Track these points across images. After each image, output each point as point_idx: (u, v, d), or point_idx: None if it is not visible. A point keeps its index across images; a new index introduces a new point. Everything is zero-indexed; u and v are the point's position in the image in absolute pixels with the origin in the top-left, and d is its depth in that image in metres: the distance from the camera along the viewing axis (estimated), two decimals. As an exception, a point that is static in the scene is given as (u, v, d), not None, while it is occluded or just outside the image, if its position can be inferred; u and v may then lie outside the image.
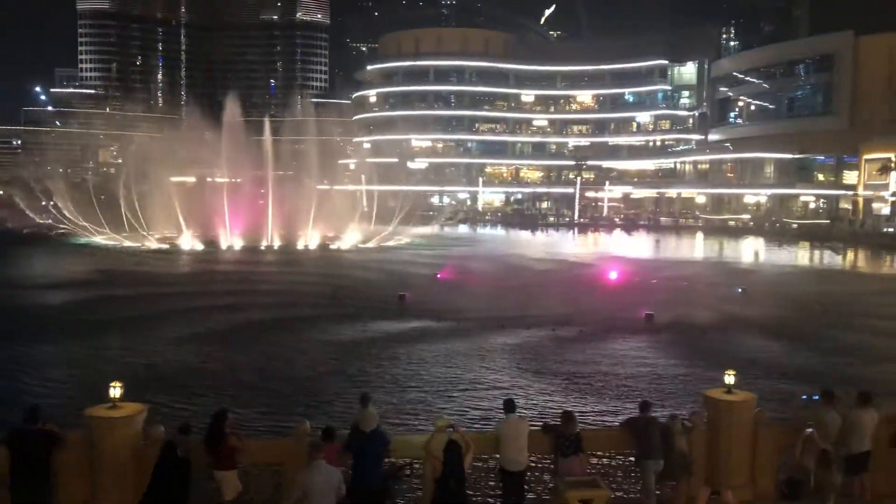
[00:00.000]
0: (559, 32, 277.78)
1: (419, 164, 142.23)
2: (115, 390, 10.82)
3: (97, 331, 28.19)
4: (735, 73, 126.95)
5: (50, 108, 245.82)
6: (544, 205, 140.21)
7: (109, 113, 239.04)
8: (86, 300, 35.55)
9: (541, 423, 12.82)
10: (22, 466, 10.02)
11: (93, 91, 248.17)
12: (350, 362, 24.01)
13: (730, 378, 12.24)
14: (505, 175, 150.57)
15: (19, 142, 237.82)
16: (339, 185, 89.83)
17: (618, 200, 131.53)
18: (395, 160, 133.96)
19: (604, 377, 22.67)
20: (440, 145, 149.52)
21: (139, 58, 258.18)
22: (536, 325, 30.19)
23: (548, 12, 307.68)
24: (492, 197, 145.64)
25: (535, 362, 24.32)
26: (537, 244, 79.96)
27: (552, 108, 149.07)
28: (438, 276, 44.42)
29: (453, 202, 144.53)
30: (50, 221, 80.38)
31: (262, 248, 63.79)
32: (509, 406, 11.61)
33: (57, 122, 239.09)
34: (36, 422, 10.28)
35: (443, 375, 22.52)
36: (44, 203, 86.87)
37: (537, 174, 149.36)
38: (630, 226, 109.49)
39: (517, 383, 21.74)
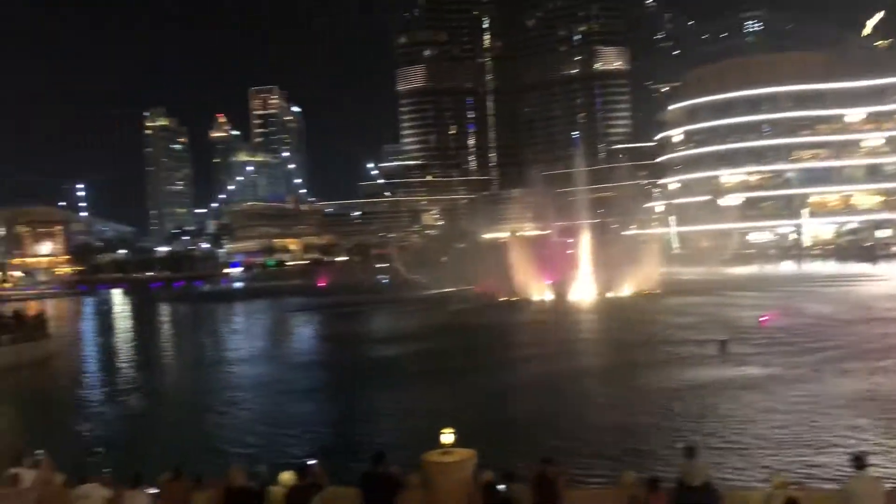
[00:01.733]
0: (890, 40, 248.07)
1: (732, 200, 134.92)
2: (448, 437, 11.55)
3: (427, 380, 30.53)
4: None
5: (381, 181, 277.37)
6: (886, 233, 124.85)
7: (430, 180, 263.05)
8: (416, 352, 38.73)
9: (901, 484, 11.19)
10: (372, 506, 11.06)
11: (415, 162, 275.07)
12: (668, 412, 23.07)
13: None
14: (834, 204, 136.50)
15: (358, 213, 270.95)
16: (648, 228, 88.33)
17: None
18: (706, 198, 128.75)
19: (981, 431, 19.13)
20: (754, 178, 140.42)
21: (452, 127, 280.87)
22: (885, 371, 26.61)
23: (871, 22, 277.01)
24: (819, 229, 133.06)
25: (887, 413, 21.31)
26: (880, 278, 70.87)
27: (887, 125, 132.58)
28: (761, 319, 41.25)
29: (775, 237, 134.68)
30: (387, 279, 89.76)
31: (574, 296, 64.45)
32: (860, 462, 10.33)
33: (387, 193, 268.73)
34: (381, 465, 11.33)
35: (773, 427, 20.56)
36: (378, 265, 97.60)
37: (874, 199, 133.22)
38: None
39: (866, 437, 19.13)
